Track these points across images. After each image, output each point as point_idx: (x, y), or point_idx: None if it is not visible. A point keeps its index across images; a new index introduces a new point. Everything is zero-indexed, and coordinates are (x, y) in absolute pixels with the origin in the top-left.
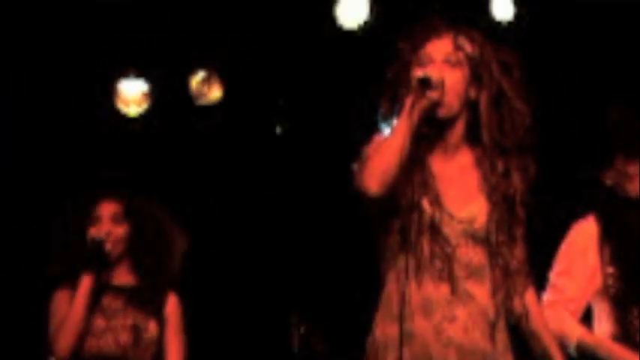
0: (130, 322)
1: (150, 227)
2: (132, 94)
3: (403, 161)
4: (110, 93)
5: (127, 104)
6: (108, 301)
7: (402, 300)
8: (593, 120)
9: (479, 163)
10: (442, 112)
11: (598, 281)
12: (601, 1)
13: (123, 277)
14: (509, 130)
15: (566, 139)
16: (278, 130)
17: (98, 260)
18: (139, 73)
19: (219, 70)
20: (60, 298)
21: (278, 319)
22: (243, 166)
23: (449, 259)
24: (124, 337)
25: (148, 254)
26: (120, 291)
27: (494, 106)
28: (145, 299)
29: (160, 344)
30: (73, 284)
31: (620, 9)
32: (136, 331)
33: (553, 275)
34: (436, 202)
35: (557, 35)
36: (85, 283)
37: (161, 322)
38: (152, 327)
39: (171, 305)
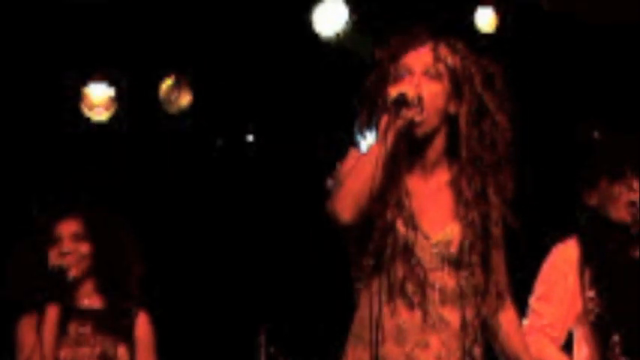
0: (98, 350)
1: (113, 242)
2: (98, 99)
3: (377, 186)
4: (77, 97)
5: (92, 108)
6: (74, 327)
7: (374, 325)
8: (577, 136)
9: (456, 180)
10: (420, 131)
11: (579, 306)
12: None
13: (89, 298)
14: (490, 145)
15: (550, 155)
16: (249, 138)
17: (62, 288)
18: (107, 78)
19: (189, 77)
20: (25, 325)
21: (246, 338)
22: (212, 175)
23: (422, 284)
24: None
25: (112, 271)
26: (87, 315)
27: (475, 121)
28: (114, 322)
29: None
30: (38, 310)
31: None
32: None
33: (533, 300)
34: (411, 223)
35: (541, 47)
36: (51, 315)
37: (131, 346)
38: (122, 353)
39: (142, 325)
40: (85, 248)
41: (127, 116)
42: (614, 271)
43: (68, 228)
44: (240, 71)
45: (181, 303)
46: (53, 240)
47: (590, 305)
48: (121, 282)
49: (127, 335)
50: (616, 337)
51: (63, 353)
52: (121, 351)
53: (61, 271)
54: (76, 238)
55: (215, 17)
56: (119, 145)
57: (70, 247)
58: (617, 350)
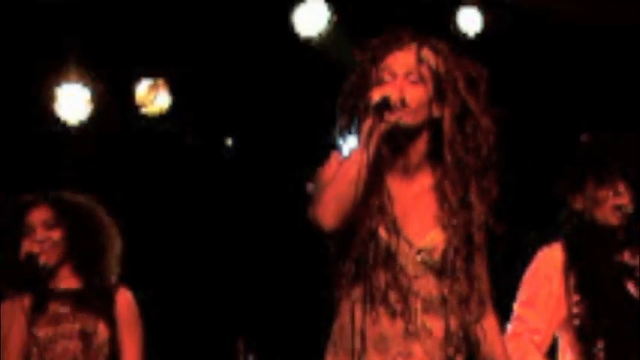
0: (77, 327)
1: (85, 225)
2: (71, 100)
3: (360, 192)
4: (51, 97)
5: (65, 109)
6: (55, 307)
7: (356, 334)
8: (563, 139)
9: (439, 185)
10: (403, 129)
11: (563, 311)
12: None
13: (67, 280)
14: (474, 148)
15: (535, 159)
16: (229, 142)
17: (35, 275)
18: (82, 79)
19: (167, 78)
20: (4, 310)
21: (224, 346)
22: (190, 179)
23: (404, 292)
24: (73, 345)
25: (88, 253)
26: (66, 296)
27: (458, 124)
28: (93, 300)
29: (113, 344)
30: (17, 296)
31: (588, 27)
32: (85, 336)
33: (517, 305)
34: (393, 229)
35: (525, 49)
36: (24, 304)
37: (112, 322)
38: (102, 329)
39: (123, 302)
40: (57, 235)
41: (103, 118)
42: (599, 275)
43: (39, 216)
44: (220, 72)
45: (160, 309)
46: (25, 230)
47: (575, 310)
48: (97, 262)
49: (107, 312)
50: (600, 343)
51: (42, 332)
52: (102, 327)
53: (32, 258)
54: (48, 225)
55: (194, 18)
56: (95, 147)
57: (43, 235)
58: (602, 356)
